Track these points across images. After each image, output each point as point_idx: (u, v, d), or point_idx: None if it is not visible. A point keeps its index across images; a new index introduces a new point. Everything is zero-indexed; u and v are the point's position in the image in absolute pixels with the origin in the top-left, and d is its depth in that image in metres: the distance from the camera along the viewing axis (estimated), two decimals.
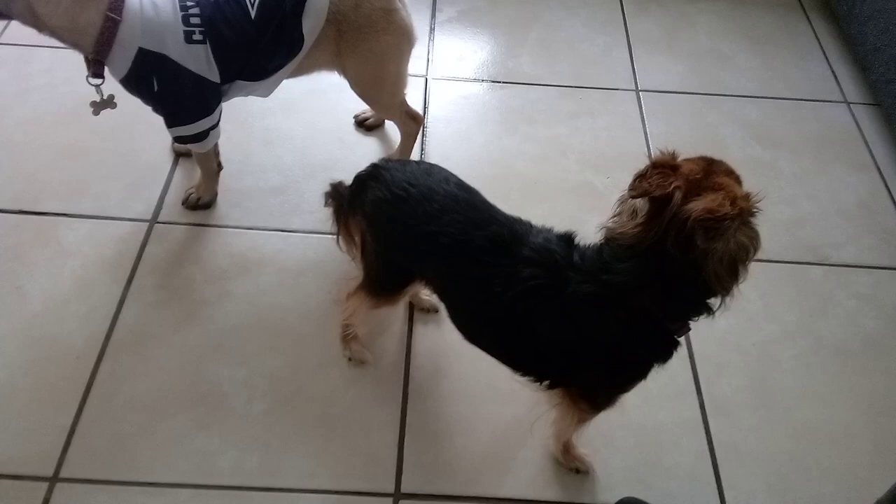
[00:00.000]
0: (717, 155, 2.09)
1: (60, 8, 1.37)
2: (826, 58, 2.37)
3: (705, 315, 1.05)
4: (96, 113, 1.59)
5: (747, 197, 0.98)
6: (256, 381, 1.50)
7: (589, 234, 1.80)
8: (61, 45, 1.45)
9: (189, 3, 1.44)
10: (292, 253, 1.73)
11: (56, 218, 1.74)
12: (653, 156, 1.03)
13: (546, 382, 1.16)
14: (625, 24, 2.43)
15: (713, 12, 2.50)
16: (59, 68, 2.07)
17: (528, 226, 1.15)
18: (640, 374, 1.11)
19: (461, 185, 1.21)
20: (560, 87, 2.21)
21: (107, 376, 1.48)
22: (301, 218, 1.80)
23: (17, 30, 2.15)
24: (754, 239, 0.99)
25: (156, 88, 1.48)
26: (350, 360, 1.53)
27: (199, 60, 1.47)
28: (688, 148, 2.04)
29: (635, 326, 1.04)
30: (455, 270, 1.15)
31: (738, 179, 1.02)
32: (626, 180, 2.02)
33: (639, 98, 2.20)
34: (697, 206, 0.95)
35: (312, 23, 1.50)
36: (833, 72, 2.32)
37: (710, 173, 0.99)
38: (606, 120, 2.13)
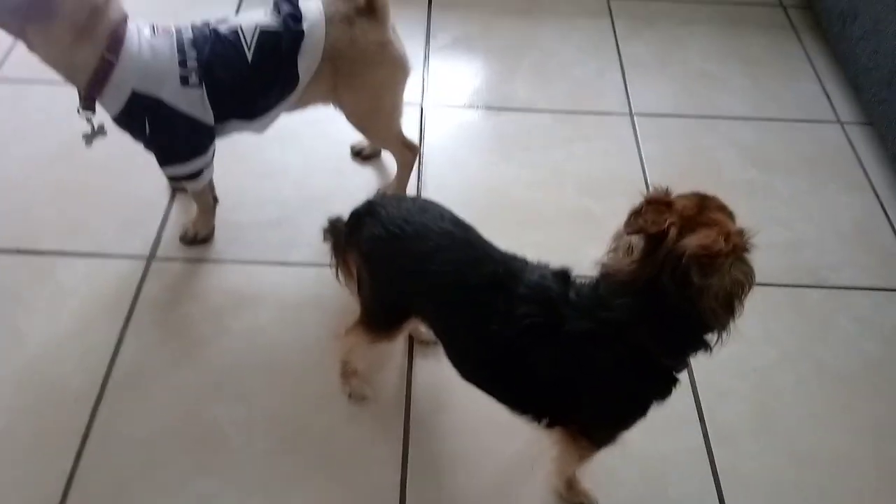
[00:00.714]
0: (712, 177, 2.11)
1: (57, 45, 1.37)
2: (818, 78, 2.38)
3: (703, 351, 1.05)
4: (89, 144, 1.59)
5: (741, 233, 0.99)
6: (256, 420, 1.49)
7: (586, 261, 1.81)
8: (58, 82, 1.46)
9: (186, 47, 1.45)
10: (291, 286, 1.73)
11: (53, 257, 1.74)
12: (647, 192, 1.03)
13: (545, 421, 1.15)
14: (617, 47, 2.45)
15: (705, 34, 2.52)
16: (55, 105, 2.08)
17: (523, 262, 1.15)
18: (640, 411, 1.10)
19: (456, 221, 1.21)
20: (555, 113, 2.22)
21: (106, 418, 1.47)
22: (299, 251, 1.80)
23: (14, 67, 2.19)
24: (749, 274, 0.99)
25: (148, 130, 1.49)
26: (350, 395, 1.52)
27: (194, 103, 1.47)
28: (683, 171, 2.06)
29: (633, 363, 1.04)
30: (450, 309, 1.16)
31: (731, 215, 1.02)
32: (622, 205, 2.02)
33: (633, 121, 2.21)
34: (692, 242, 0.96)
35: (308, 62, 1.51)
36: (825, 92, 2.34)
37: (704, 209, 1.00)
38: (601, 144, 2.14)
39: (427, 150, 2.06)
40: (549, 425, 1.16)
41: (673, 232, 0.97)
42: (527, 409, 1.15)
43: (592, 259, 1.79)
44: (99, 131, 1.57)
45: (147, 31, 1.45)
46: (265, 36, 1.48)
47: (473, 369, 1.21)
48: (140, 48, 1.43)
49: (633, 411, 1.11)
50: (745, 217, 1.96)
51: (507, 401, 1.18)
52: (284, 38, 1.48)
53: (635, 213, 0.99)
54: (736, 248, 0.96)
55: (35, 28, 1.35)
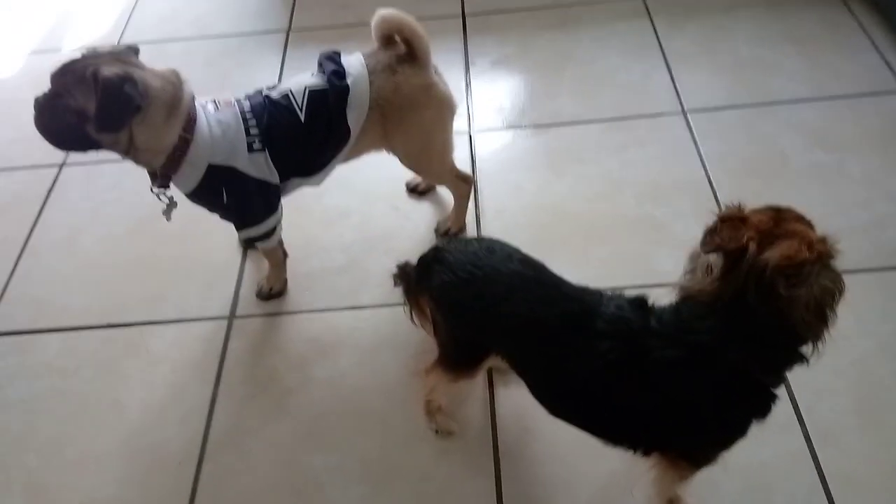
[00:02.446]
0: (778, 167, 2.05)
1: (154, 128, 1.42)
2: (876, 48, 2.28)
3: (799, 363, 1.02)
4: (168, 218, 1.65)
5: (824, 240, 0.96)
6: (350, 466, 1.52)
7: (656, 269, 1.78)
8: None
9: (248, 115, 1.52)
10: (366, 329, 1.77)
11: (142, 327, 1.83)
12: (721, 210, 1.01)
13: (640, 450, 1.13)
14: (660, 46, 2.41)
15: (750, 19, 2.45)
16: (125, 180, 2.19)
17: (597, 295, 1.14)
18: (740, 432, 1.08)
19: (525, 260, 1.21)
20: (604, 122, 2.20)
21: (209, 478, 1.53)
22: (369, 293, 1.84)
23: None
24: (837, 281, 0.96)
25: (225, 200, 1.56)
26: (437, 432, 1.54)
27: (260, 166, 1.54)
28: (747, 164, 2.02)
29: (728, 385, 1.02)
30: (530, 350, 1.16)
31: (810, 224, 1.00)
32: (686, 209, 1.99)
33: (687, 119, 2.16)
34: (774, 254, 0.94)
35: (356, 114, 1.56)
36: (886, 62, 2.24)
37: (781, 221, 0.98)
38: (657, 148, 2.10)
39: (481, 177, 2.07)
40: (645, 454, 1.14)
41: (752, 246, 0.95)
42: (621, 441, 1.14)
43: (662, 266, 1.77)
44: (173, 204, 1.63)
45: (211, 107, 1.52)
46: (314, 95, 1.54)
47: (561, 407, 1.20)
48: (209, 123, 1.49)
49: (733, 433, 1.08)
50: (819, 203, 1.91)
51: (599, 434, 1.17)
52: (331, 94, 1.53)
53: (711, 232, 0.98)
54: (821, 256, 0.94)
55: (137, 120, 1.39)
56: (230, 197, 1.55)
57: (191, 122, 1.46)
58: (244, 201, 1.58)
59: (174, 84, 1.45)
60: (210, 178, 1.51)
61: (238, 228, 1.65)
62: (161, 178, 1.53)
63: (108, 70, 1.35)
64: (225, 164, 1.50)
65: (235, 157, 1.51)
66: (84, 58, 1.40)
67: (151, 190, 1.57)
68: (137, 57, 1.48)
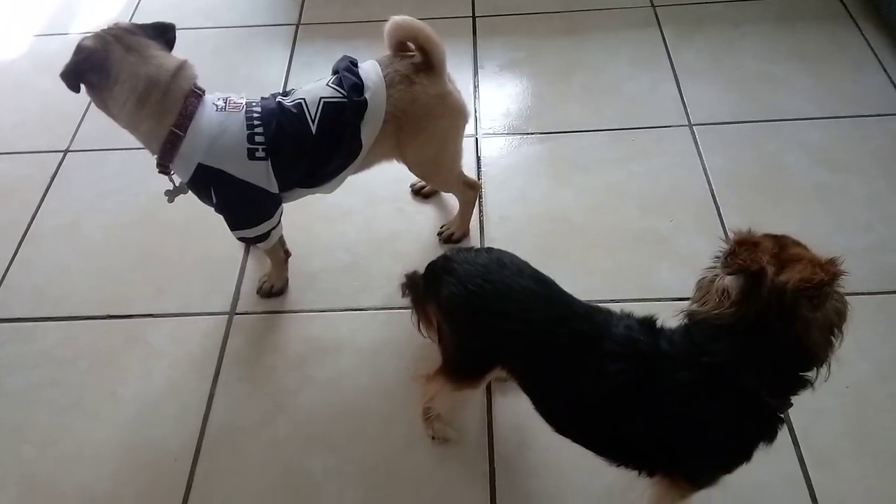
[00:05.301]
0: (781, 184, 2.06)
1: (124, 109, 1.47)
2: (884, 68, 2.29)
3: (805, 388, 1.03)
4: (171, 201, 1.64)
5: (833, 261, 0.97)
6: (347, 469, 1.53)
7: (660, 282, 1.79)
8: (130, 147, 1.57)
9: (255, 122, 1.50)
10: (366, 331, 1.77)
11: (142, 319, 1.82)
12: (732, 234, 1.02)
13: (644, 471, 1.14)
14: (669, 57, 2.41)
15: (758, 34, 2.45)
16: (130, 169, 2.18)
17: (606, 314, 1.14)
18: (746, 455, 1.08)
19: (536, 277, 1.21)
20: (610, 131, 2.20)
21: (204, 476, 1.53)
22: (371, 294, 1.84)
23: (88, 135, 2.30)
24: (844, 303, 0.98)
25: (214, 200, 1.56)
26: (434, 438, 1.55)
27: (259, 175, 1.53)
28: (750, 180, 2.03)
29: (740, 408, 1.03)
30: (538, 369, 1.16)
31: (807, 249, 1.00)
32: (689, 222, 2.00)
33: (693, 133, 2.17)
34: (792, 276, 0.94)
35: (370, 129, 1.54)
36: (893, 83, 2.24)
37: (784, 246, 0.98)
38: (662, 160, 2.11)
39: (485, 181, 2.07)
40: (651, 474, 1.15)
41: (770, 269, 0.95)
42: (627, 462, 1.15)
43: (663, 281, 1.78)
44: (180, 188, 1.63)
45: (220, 104, 1.52)
46: (328, 107, 1.52)
47: (566, 425, 1.21)
48: (210, 124, 1.49)
49: (740, 456, 1.09)
50: (821, 223, 1.92)
51: (605, 455, 1.17)
52: (348, 109, 1.52)
53: (730, 254, 0.98)
54: (834, 277, 0.94)
55: (106, 94, 1.47)
56: (219, 198, 1.55)
57: (184, 118, 1.46)
58: (234, 204, 1.58)
59: (164, 76, 1.46)
60: (199, 177, 1.51)
61: (230, 228, 1.65)
62: (158, 165, 1.55)
63: (88, 40, 1.47)
64: (214, 167, 1.50)
65: (228, 162, 1.50)
66: (111, 27, 1.50)
67: (157, 171, 1.57)
68: (166, 36, 1.53)
